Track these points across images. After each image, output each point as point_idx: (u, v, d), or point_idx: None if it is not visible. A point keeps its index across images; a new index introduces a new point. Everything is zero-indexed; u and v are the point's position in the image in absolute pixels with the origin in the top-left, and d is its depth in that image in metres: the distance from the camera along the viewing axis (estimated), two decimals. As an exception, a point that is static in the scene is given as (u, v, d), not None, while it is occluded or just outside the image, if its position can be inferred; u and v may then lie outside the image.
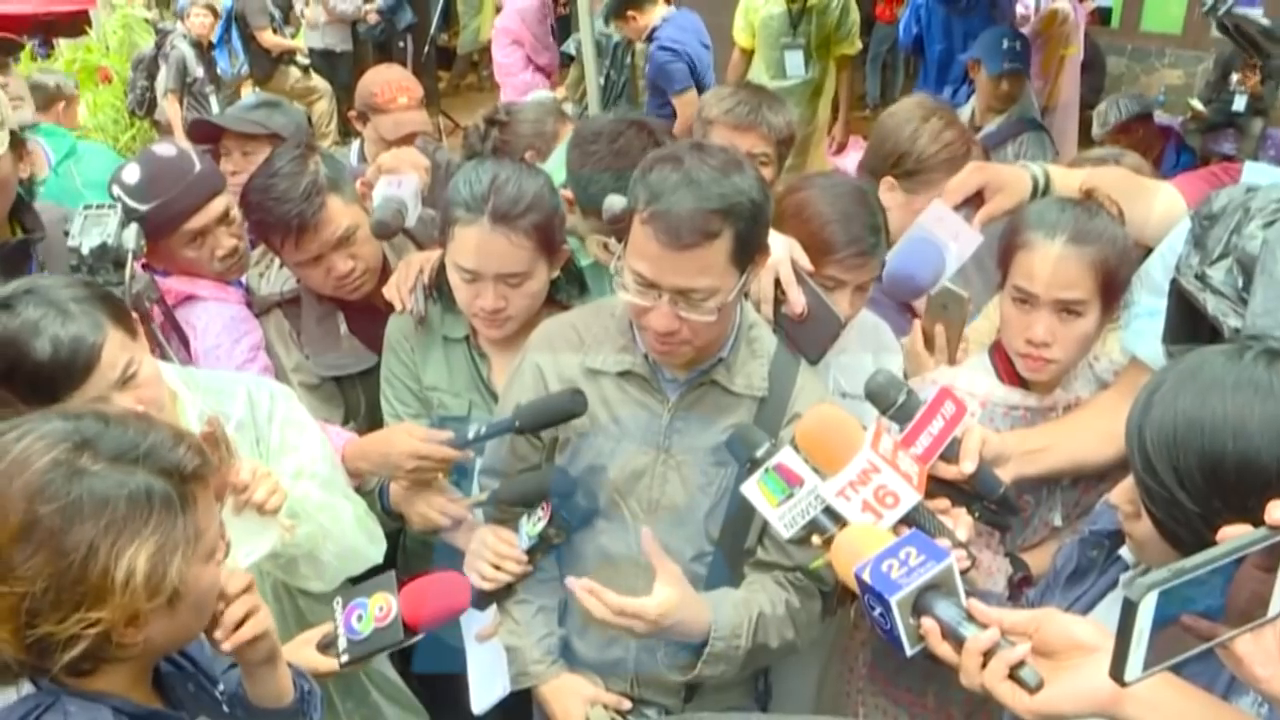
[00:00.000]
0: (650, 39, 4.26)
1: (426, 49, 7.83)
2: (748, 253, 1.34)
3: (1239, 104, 5.32)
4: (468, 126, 2.45)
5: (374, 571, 1.49)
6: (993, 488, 1.33)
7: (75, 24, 7.94)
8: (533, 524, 1.50)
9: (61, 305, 1.29)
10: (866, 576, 1.01)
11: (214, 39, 6.75)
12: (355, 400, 1.91)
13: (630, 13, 4.27)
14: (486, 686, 1.62)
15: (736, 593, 1.47)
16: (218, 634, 1.05)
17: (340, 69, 7.38)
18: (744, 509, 1.37)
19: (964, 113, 3.62)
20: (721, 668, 1.44)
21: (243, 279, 1.99)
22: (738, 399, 1.46)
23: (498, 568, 1.50)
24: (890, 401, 1.34)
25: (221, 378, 1.60)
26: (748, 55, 4.63)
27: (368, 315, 1.88)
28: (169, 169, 1.85)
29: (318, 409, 1.76)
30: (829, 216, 1.61)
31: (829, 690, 1.84)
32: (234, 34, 6.85)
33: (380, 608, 1.33)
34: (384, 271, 1.89)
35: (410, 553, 1.85)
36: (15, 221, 1.77)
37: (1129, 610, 0.79)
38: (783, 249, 1.53)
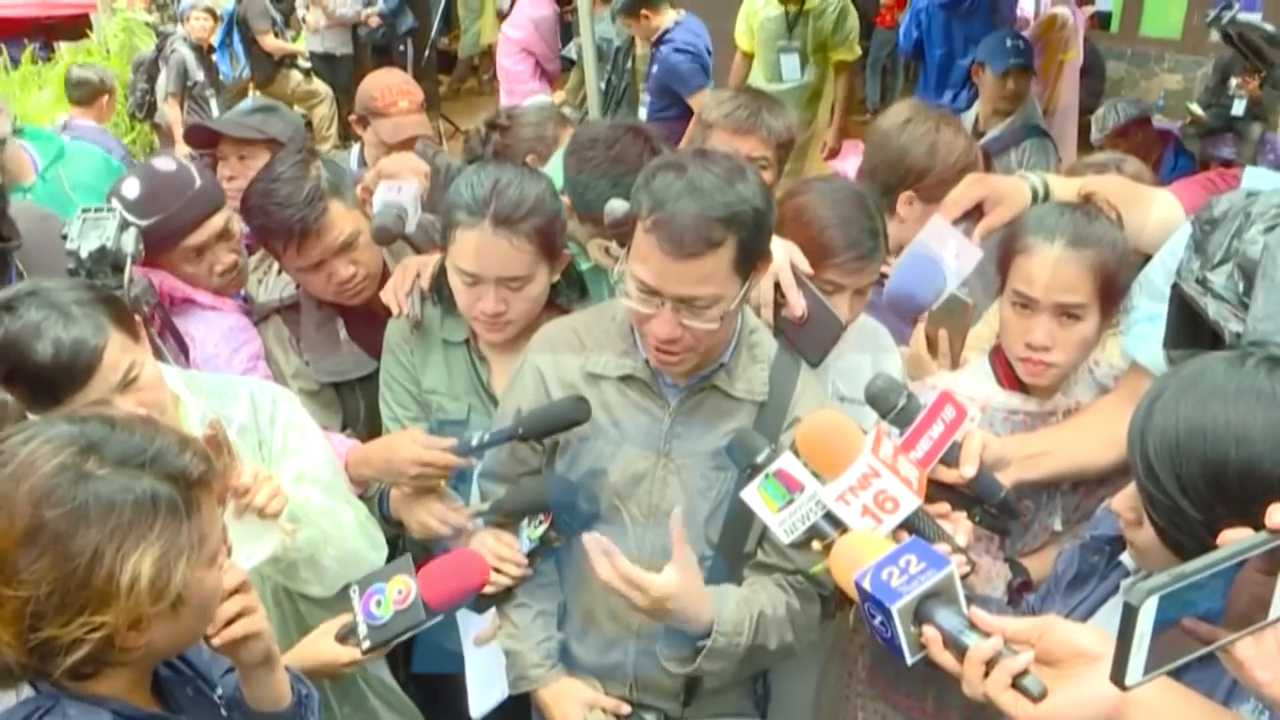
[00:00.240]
0: (661, 41, 4.27)
1: (427, 53, 7.84)
2: (750, 260, 1.34)
3: (1238, 109, 5.33)
4: (468, 130, 2.45)
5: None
6: (993, 492, 1.33)
7: (76, 27, 7.95)
8: (533, 528, 1.50)
9: (63, 308, 1.29)
10: (866, 584, 1.01)
11: (215, 43, 6.76)
12: (355, 406, 1.91)
13: (645, 11, 4.27)
14: (485, 690, 1.62)
15: (739, 590, 1.47)
16: (209, 629, 1.05)
17: (340, 73, 7.39)
18: (744, 513, 1.37)
19: (967, 118, 3.59)
20: (721, 664, 1.43)
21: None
22: (738, 404, 1.46)
23: (497, 571, 1.50)
24: (890, 405, 1.34)
25: (224, 381, 1.60)
26: (749, 59, 4.64)
27: (367, 321, 1.88)
28: (169, 184, 1.84)
29: (317, 415, 1.76)
30: (828, 221, 1.61)
31: (828, 694, 1.84)
32: (235, 38, 6.86)
33: (399, 591, 1.32)
34: (384, 276, 1.89)
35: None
36: None
37: (1130, 615, 0.79)
38: (782, 253, 1.54)
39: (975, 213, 1.66)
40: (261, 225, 1.80)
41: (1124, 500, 1.07)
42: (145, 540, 0.91)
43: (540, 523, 1.49)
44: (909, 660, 1.01)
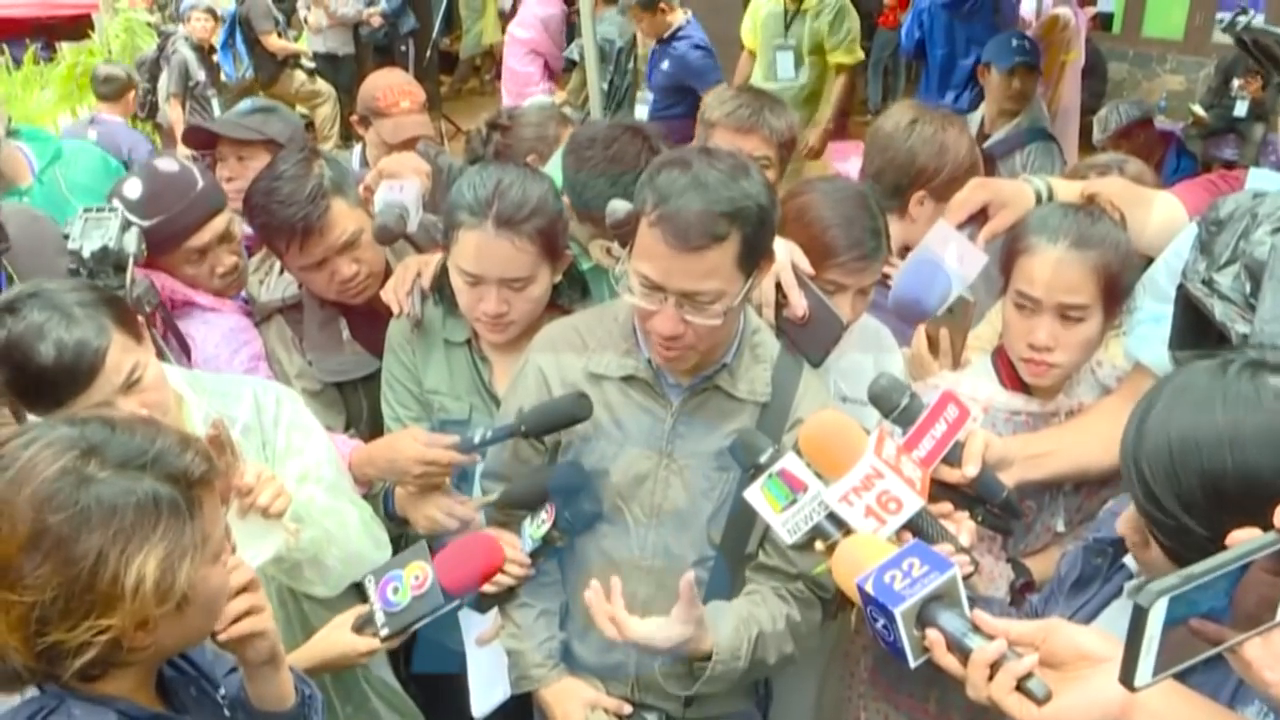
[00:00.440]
0: (674, 38, 4.28)
1: (428, 53, 7.84)
2: (754, 257, 1.34)
3: (1240, 109, 5.33)
4: (469, 131, 2.45)
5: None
6: (995, 492, 1.33)
7: (77, 27, 7.96)
8: (536, 527, 1.50)
9: (66, 309, 1.29)
10: (869, 588, 1.01)
11: (218, 43, 6.77)
12: (357, 405, 1.91)
13: (662, 5, 4.28)
14: (487, 690, 1.62)
15: (739, 609, 1.47)
16: (216, 625, 1.05)
17: (342, 73, 7.40)
18: (746, 514, 1.37)
19: (973, 120, 3.58)
20: (719, 686, 1.46)
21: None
22: (740, 404, 1.46)
23: (500, 570, 1.50)
24: (893, 405, 1.34)
25: (227, 381, 1.59)
26: (754, 57, 4.64)
27: (370, 320, 1.88)
28: (171, 185, 1.84)
29: (320, 414, 1.76)
30: (830, 221, 1.61)
31: (830, 695, 1.84)
32: (239, 38, 6.86)
33: (416, 577, 1.32)
34: (386, 276, 1.89)
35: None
36: None
37: (1140, 616, 0.79)
38: (783, 253, 1.53)
39: (980, 216, 1.66)
40: (264, 224, 1.80)
41: (1128, 523, 1.06)
42: (149, 542, 0.90)
43: (543, 522, 1.49)
44: (912, 663, 1.01)
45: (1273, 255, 1.18)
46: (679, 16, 4.32)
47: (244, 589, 1.07)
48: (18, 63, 7.51)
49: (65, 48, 7.73)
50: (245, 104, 2.84)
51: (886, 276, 1.72)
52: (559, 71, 6.27)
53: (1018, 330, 1.54)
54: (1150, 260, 1.54)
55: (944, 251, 1.62)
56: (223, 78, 6.84)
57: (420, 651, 1.69)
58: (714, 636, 1.41)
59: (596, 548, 1.51)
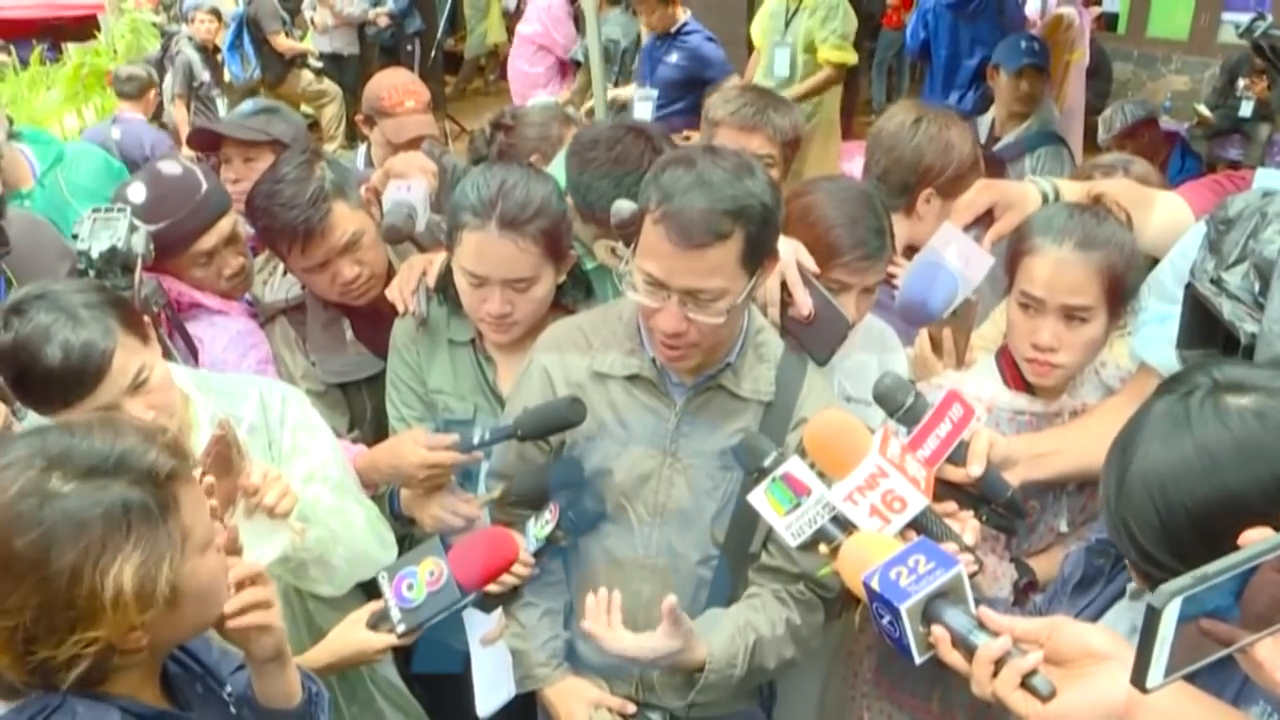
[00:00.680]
0: (682, 33, 4.28)
1: (433, 53, 7.85)
2: (757, 256, 1.34)
3: (1245, 110, 5.32)
4: (473, 131, 2.45)
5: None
6: (1000, 491, 1.33)
7: (83, 28, 7.98)
8: (540, 526, 1.50)
9: (72, 311, 1.29)
10: (875, 584, 1.01)
11: (224, 43, 6.78)
12: (361, 406, 1.92)
13: None
14: (491, 690, 1.62)
15: (736, 617, 1.47)
16: (226, 608, 1.04)
17: (347, 72, 7.41)
18: (750, 513, 1.37)
19: (983, 123, 3.58)
20: (717, 694, 1.46)
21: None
22: (744, 403, 1.46)
23: None
24: (898, 404, 1.34)
25: (233, 380, 1.60)
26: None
27: (373, 321, 1.88)
28: (176, 189, 1.84)
29: (324, 415, 1.75)
30: (835, 220, 1.61)
31: (833, 694, 1.84)
32: (246, 38, 6.88)
33: (431, 573, 1.33)
34: (389, 276, 1.89)
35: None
36: None
37: (1153, 617, 0.79)
38: (788, 252, 1.54)
39: (986, 218, 1.66)
40: (266, 226, 1.80)
41: (1135, 571, 1.06)
42: (122, 552, 0.89)
43: (547, 522, 1.49)
44: (917, 660, 1.01)
45: (1281, 255, 1.18)
46: (683, 13, 4.33)
47: (253, 581, 1.07)
48: (24, 63, 7.53)
49: (71, 48, 7.75)
50: (248, 105, 2.83)
51: (891, 276, 1.73)
52: (568, 62, 6.24)
53: (1022, 330, 1.54)
54: (1155, 261, 1.54)
55: (949, 253, 1.62)
56: (228, 78, 6.85)
57: (421, 651, 1.69)
58: (709, 646, 1.42)
59: (600, 547, 1.51)
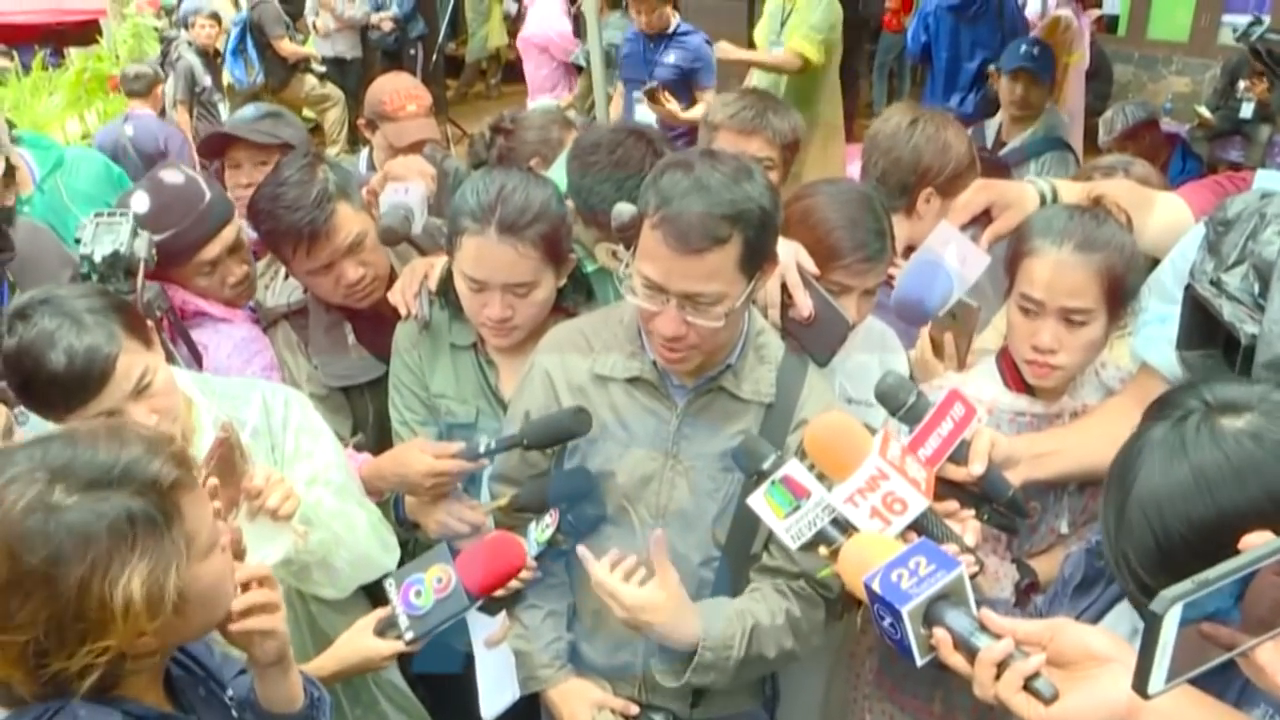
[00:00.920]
0: (679, 33, 4.27)
1: (435, 57, 7.87)
2: (756, 260, 1.34)
3: (1246, 111, 5.32)
4: (473, 135, 2.45)
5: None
6: (1001, 491, 1.33)
7: (86, 33, 8.00)
8: (541, 531, 1.50)
9: (76, 316, 1.29)
10: (876, 586, 1.01)
11: (227, 48, 6.80)
12: (363, 410, 1.92)
13: None
14: (496, 692, 1.62)
15: (734, 603, 1.47)
16: (233, 608, 1.05)
17: (349, 76, 7.42)
18: (751, 515, 1.37)
19: (990, 127, 3.58)
20: (712, 676, 1.44)
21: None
22: (745, 405, 1.46)
23: None
24: (899, 403, 1.35)
25: (236, 384, 1.60)
26: None
27: (375, 325, 1.89)
28: (180, 198, 1.84)
29: (326, 419, 1.76)
30: (835, 223, 1.61)
31: (836, 695, 1.84)
32: (249, 43, 6.89)
33: (438, 579, 1.33)
34: (390, 279, 1.90)
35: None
36: None
37: (1154, 622, 0.79)
38: (788, 253, 1.54)
39: (983, 218, 1.66)
40: (270, 229, 1.81)
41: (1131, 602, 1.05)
42: (129, 563, 0.89)
43: (548, 526, 1.50)
44: (919, 662, 1.01)
45: (1280, 256, 1.18)
46: (675, 15, 4.33)
47: (260, 583, 1.08)
48: (26, 68, 7.55)
49: (73, 53, 7.76)
50: (249, 109, 2.83)
51: (892, 277, 1.73)
52: (568, 62, 6.23)
53: (1022, 332, 1.54)
54: (1155, 262, 1.54)
55: (946, 253, 1.62)
56: (229, 81, 6.86)
57: (422, 652, 1.70)
58: (706, 625, 1.41)
59: (602, 549, 1.51)
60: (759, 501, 1.23)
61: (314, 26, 7.57)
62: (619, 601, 1.36)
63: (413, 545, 1.71)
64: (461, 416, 1.73)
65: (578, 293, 1.81)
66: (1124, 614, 1.12)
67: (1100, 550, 1.23)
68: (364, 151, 3.01)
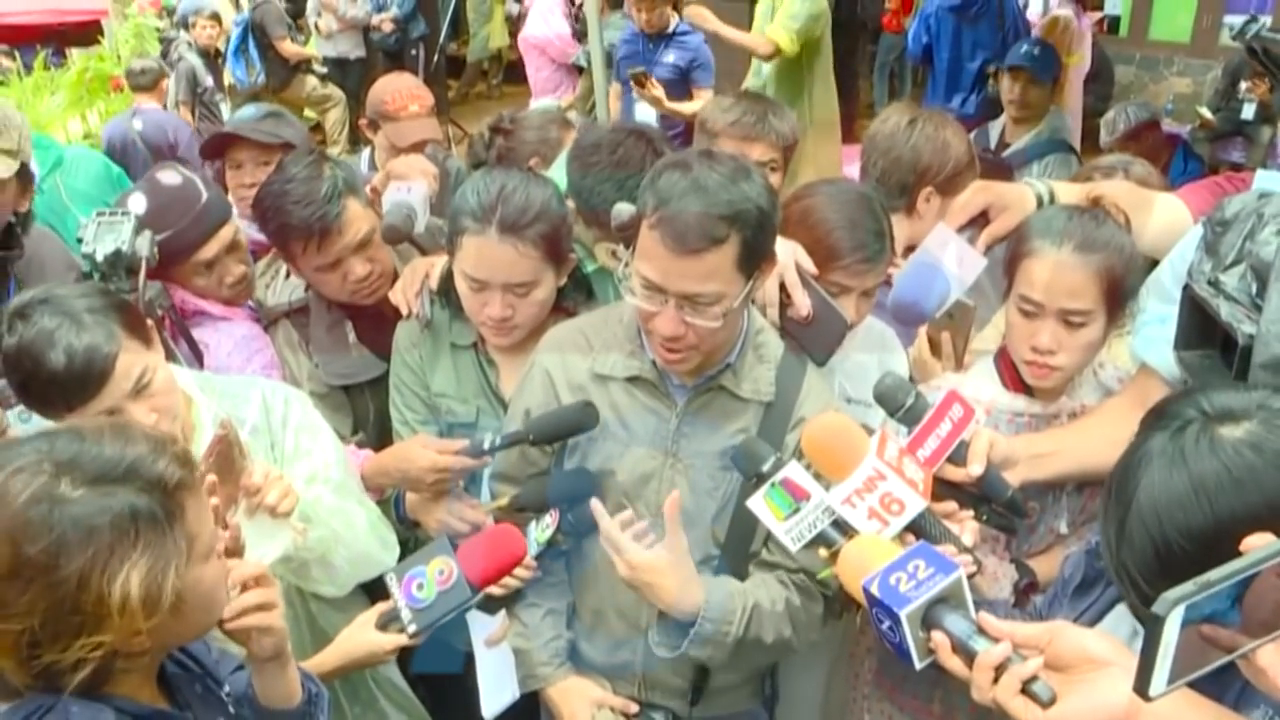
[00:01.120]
0: (679, 33, 4.26)
1: (436, 58, 7.87)
2: (754, 260, 1.35)
3: (1248, 112, 5.32)
4: (473, 135, 2.46)
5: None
6: (1000, 491, 1.33)
7: (87, 33, 8.00)
8: (541, 531, 1.51)
9: (75, 315, 1.30)
10: (875, 590, 1.01)
11: (228, 48, 6.80)
12: (364, 408, 1.92)
13: None
14: (496, 691, 1.62)
15: (736, 583, 1.47)
16: (225, 612, 1.05)
17: (350, 77, 7.43)
18: (750, 514, 1.37)
19: (994, 128, 3.58)
20: (709, 651, 1.42)
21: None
22: (744, 404, 1.47)
23: None
24: (898, 404, 1.35)
25: (236, 382, 1.60)
26: None
27: (376, 323, 1.89)
28: (177, 199, 1.84)
29: (326, 417, 1.76)
30: (834, 223, 1.61)
31: (835, 695, 1.84)
32: (251, 43, 6.90)
33: (440, 571, 1.32)
34: (393, 278, 1.90)
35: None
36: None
37: (1156, 625, 0.78)
38: (787, 253, 1.54)
39: (981, 220, 1.66)
40: (280, 226, 1.79)
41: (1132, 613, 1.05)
42: (129, 559, 0.89)
43: (548, 526, 1.50)
44: (918, 665, 1.01)
45: (1279, 256, 1.18)
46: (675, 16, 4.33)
47: (257, 582, 1.08)
48: (28, 68, 7.56)
49: (75, 54, 7.77)
50: (250, 109, 2.83)
51: (891, 277, 1.73)
52: (566, 62, 6.23)
53: (1021, 333, 1.54)
54: (1154, 263, 1.54)
55: (943, 254, 1.62)
56: (230, 82, 6.87)
57: (421, 651, 1.70)
58: (707, 596, 1.40)
59: (602, 547, 1.51)
60: (758, 504, 1.24)
61: (316, 27, 7.57)
62: (626, 559, 1.35)
63: (412, 544, 1.72)
64: (462, 416, 1.74)
65: (578, 292, 1.81)
66: (1124, 616, 1.12)
67: (1100, 551, 1.23)
68: (365, 151, 3.02)
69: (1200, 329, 1.27)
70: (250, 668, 1.13)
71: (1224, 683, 0.93)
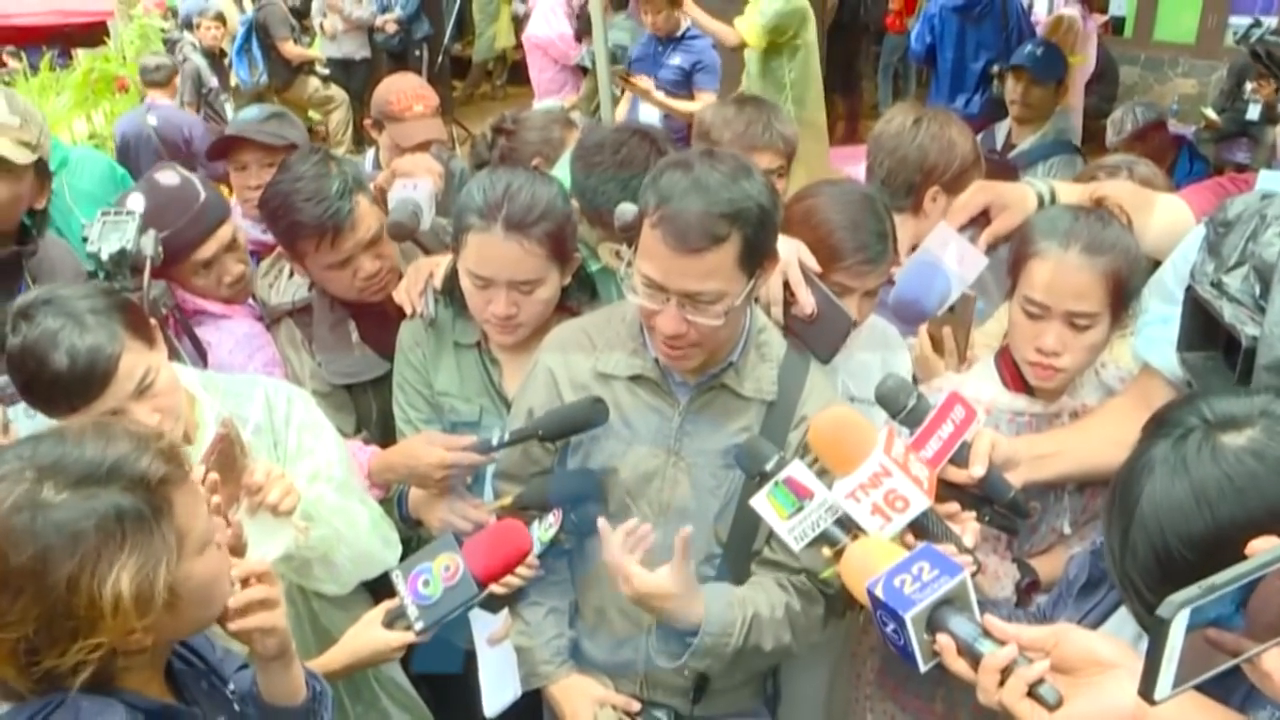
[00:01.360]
0: (688, 36, 4.26)
1: (440, 58, 7.88)
2: (756, 258, 1.35)
3: (1253, 113, 5.31)
4: (476, 135, 2.46)
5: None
6: (1002, 492, 1.33)
7: (93, 34, 8.03)
8: (544, 530, 1.51)
9: (78, 316, 1.30)
10: (879, 592, 1.01)
11: (233, 48, 6.82)
12: (367, 407, 1.92)
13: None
14: (498, 690, 1.62)
15: (735, 591, 1.47)
16: (230, 604, 1.05)
17: (355, 78, 7.44)
18: (752, 512, 1.37)
19: (1000, 129, 3.58)
20: (708, 662, 1.44)
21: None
22: (747, 403, 1.47)
23: None
24: (900, 406, 1.35)
25: (239, 381, 1.61)
26: None
27: (379, 322, 1.89)
28: (175, 199, 1.85)
29: (330, 416, 1.76)
30: (837, 224, 1.61)
31: (838, 695, 1.84)
32: (255, 44, 6.91)
33: (446, 568, 1.32)
34: (399, 276, 1.90)
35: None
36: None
37: (1161, 628, 0.78)
38: (790, 251, 1.54)
39: (982, 219, 1.66)
40: (291, 223, 1.79)
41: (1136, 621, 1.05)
42: (117, 560, 0.89)
43: (550, 526, 1.50)
44: (922, 668, 1.00)
45: (1282, 257, 1.18)
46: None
47: (260, 579, 1.08)
48: (34, 69, 7.58)
49: (81, 54, 7.78)
50: (253, 110, 2.83)
51: (895, 275, 1.73)
52: (568, 63, 6.23)
53: (1025, 334, 1.54)
54: (1156, 263, 1.53)
55: (944, 253, 1.62)
56: (235, 82, 6.88)
57: (422, 650, 1.70)
58: (706, 609, 1.41)
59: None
60: (762, 503, 1.23)
61: (321, 28, 7.59)
62: (630, 585, 1.36)
63: (415, 543, 1.71)
64: (465, 414, 1.74)
65: (582, 292, 1.81)
66: (1128, 617, 1.12)
67: (1104, 552, 1.23)
68: (370, 152, 3.02)
69: (1203, 330, 1.27)
70: (255, 666, 1.14)
71: (1229, 685, 0.93)
